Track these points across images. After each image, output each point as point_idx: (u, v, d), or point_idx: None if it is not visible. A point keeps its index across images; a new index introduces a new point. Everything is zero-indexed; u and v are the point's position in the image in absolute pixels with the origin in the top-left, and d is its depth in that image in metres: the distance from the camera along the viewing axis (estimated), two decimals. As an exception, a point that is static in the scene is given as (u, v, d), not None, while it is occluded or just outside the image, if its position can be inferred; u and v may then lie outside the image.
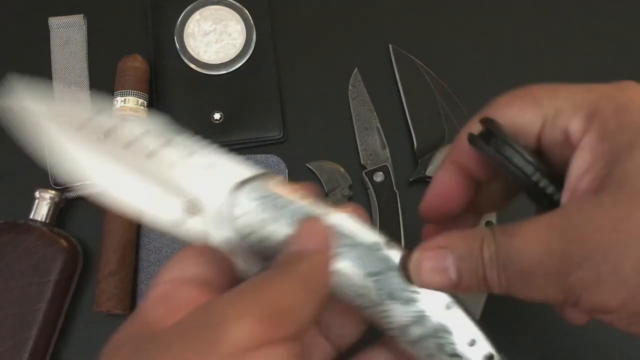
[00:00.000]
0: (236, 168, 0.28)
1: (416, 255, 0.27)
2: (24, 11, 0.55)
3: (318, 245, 0.26)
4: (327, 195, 0.50)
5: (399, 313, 0.27)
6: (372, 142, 0.51)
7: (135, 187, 0.28)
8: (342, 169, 0.51)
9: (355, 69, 0.53)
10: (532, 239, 0.25)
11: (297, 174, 0.51)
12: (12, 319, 0.45)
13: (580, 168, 0.26)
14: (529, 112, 0.28)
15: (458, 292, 0.28)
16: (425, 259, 0.27)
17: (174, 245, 0.49)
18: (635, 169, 0.24)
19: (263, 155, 0.51)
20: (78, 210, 0.51)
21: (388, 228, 0.48)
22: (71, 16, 0.54)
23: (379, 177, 0.49)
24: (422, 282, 0.27)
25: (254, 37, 0.53)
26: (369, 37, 0.54)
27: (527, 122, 0.28)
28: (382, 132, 0.52)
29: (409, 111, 0.51)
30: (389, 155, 0.51)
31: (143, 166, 0.28)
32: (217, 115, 0.52)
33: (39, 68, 0.53)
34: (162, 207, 0.28)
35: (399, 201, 0.49)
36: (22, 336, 0.45)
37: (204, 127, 0.52)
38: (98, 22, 0.55)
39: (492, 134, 0.28)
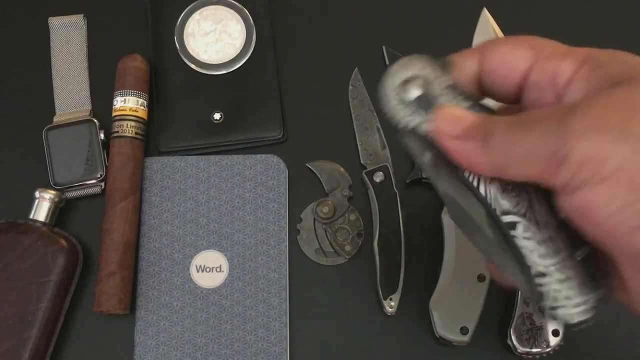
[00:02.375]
0: None
1: (446, 108, 0.29)
2: (24, 11, 0.55)
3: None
4: (327, 195, 0.50)
5: None
6: (372, 142, 0.51)
7: None
8: (342, 169, 0.51)
9: (355, 69, 0.53)
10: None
11: (297, 174, 0.51)
12: (12, 319, 0.45)
13: (576, 95, 0.27)
14: (521, 51, 0.29)
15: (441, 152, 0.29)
16: (453, 108, 0.29)
17: (174, 245, 0.49)
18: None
19: (263, 155, 0.51)
20: (78, 210, 0.51)
21: (388, 228, 0.48)
22: (71, 16, 0.54)
23: (379, 177, 0.50)
24: (440, 117, 0.29)
25: (254, 37, 0.53)
26: (368, 37, 0.54)
27: (518, 59, 0.29)
28: (382, 132, 0.52)
29: None
30: (389, 155, 0.51)
31: None
32: (217, 115, 0.52)
33: (39, 68, 0.53)
34: None
35: (398, 201, 0.49)
36: (22, 336, 0.45)
37: (204, 127, 0.52)
38: (98, 22, 0.55)
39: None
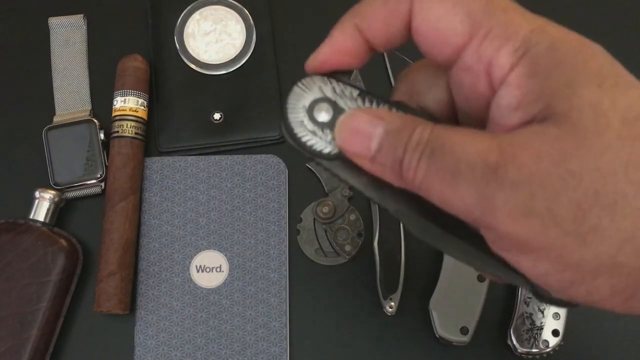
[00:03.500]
0: None
1: (352, 111, 0.27)
2: (24, 11, 0.55)
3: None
4: (327, 195, 0.50)
5: None
6: (372, 142, 0.51)
7: None
8: (342, 169, 0.51)
9: (355, 69, 0.53)
10: (473, 141, 0.23)
11: (297, 174, 0.51)
12: (12, 319, 0.45)
13: (509, 105, 0.24)
14: (456, 21, 0.25)
15: (372, 174, 0.26)
16: (357, 117, 0.26)
17: (174, 245, 0.49)
18: (580, 104, 0.22)
19: (263, 155, 0.51)
20: (78, 210, 0.51)
21: (388, 228, 0.48)
22: (71, 16, 0.54)
23: (379, 177, 0.50)
24: (342, 139, 0.26)
25: (254, 37, 0.53)
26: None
27: (452, 31, 0.25)
28: (382, 132, 0.52)
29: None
30: (389, 155, 0.51)
31: None
32: (217, 115, 0.52)
33: (39, 68, 0.53)
34: None
35: (399, 201, 0.49)
36: (22, 336, 0.45)
37: (204, 127, 0.52)
38: (98, 22, 0.55)
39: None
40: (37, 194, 0.48)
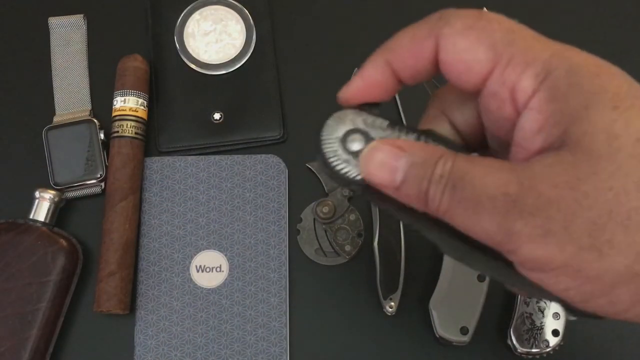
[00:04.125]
0: None
1: (374, 143, 0.28)
2: (24, 11, 0.55)
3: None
4: (327, 195, 0.50)
5: None
6: (372, 142, 0.51)
7: None
8: (342, 169, 0.51)
9: (355, 69, 0.53)
10: (492, 174, 0.25)
11: (297, 174, 0.51)
12: (12, 319, 0.45)
13: (531, 129, 0.26)
14: (480, 52, 0.27)
15: (398, 200, 0.28)
16: (381, 150, 0.28)
17: (174, 245, 0.49)
18: (593, 130, 0.24)
19: (263, 155, 0.51)
20: (78, 210, 0.51)
21: (388, 228, 0.48)
22: (71, 16, 0.54)
23: (379, 177, 0.49)
24: (367, 170, 0.28)
25: (254, 37, 0.53)
26: (368, 37, 0.54)
27: (476, 62, 0.27)
28: (382, 132, 0.52)
29: (404, 112, 0.51)
30: (389, 155, 0.51)
31: None
32: (217, 115, 0.52)
33: (39, 68, 0.53)
34: None
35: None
36: (22, 336, 0.45)
37: (204, 127, 0.52)
38: (98, 22, 0.55)
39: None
40: (37, 194, 0.48)
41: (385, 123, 0.29)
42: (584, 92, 0.24)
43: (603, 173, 0.23)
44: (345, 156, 0.29)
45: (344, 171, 0.29)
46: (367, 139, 0.29)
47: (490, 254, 0.28)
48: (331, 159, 0.29)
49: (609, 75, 0.25)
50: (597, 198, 0.23)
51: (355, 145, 0.29)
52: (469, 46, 0.27)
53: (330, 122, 0.30)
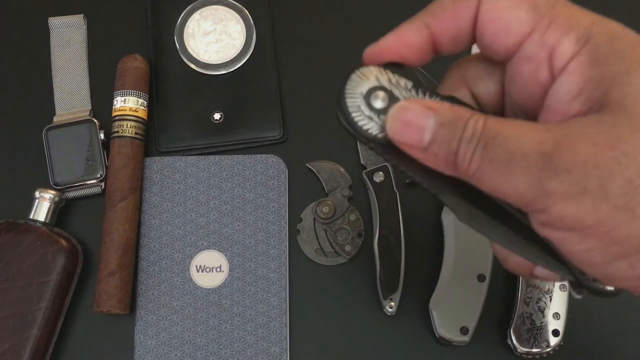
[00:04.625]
0: None
1: (402, 102, 0.28)
2: (24, 11, 0.55)
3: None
4: (327, 195, 0.50)
5: None
6: (372, 142, 0.51)
7: None
8: (342, 169, 0.51)
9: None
10: (526, 132, 0.25)
11: (297, 174, 0.51)
12: (12, 319, 0.45)
13: (569, 92, 0.26)
14: (522, 11, 0.27)
15: (422, 162, 0.27)
16: (409, 110, 0.27)
17: (174, 245, 0.49)
18: (634, 92, 0.24)
19: (263, 155, 0.51)
20: (78, 210, 0.51)
21: (388, 228, 0.48)
22: (71, 16, 0.54)
23: (379, 177, 0.50)
24: (394, 129, 0.27)
25: (254, 37, 0.53)
26: (368, 37, 0.54)
27: (516, 22, 0.27)
28: (382, 132, 0.51)
29: None
30: (389, 155, 0.51)
31: None
32: (217, 115, 0.52)
33: (39, 68, 0.53)
34: None
35: (399, 201, 0.49)
36: (22, 336, 0.45)
37: (204, 127, 0.52)
38: (98, 22, 0.55)
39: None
40: (37, 194, 0.48)
41: (410, 84, 0.29)
42: (626, 59, 0.25)
43: None
44: (368, 112, 0.29)
45: (365, 127, 0.28)
46: (392, 97, 0.28)
47: (510, 222, 0.28)
48: (354, 115, 0.29)
49: None
50: (636, 157, 0.23)
51: (379, 103, 0.28)
52: (510, 4, 0.27)
53: (354, 76, 0.29)
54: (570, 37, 0.26)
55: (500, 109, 0.31)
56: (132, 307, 0.48)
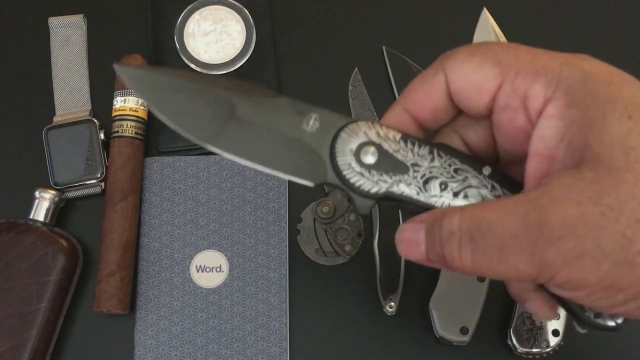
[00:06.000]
0: None
1: (401, 225, 0.29)
2: (24, 11, 0.55)
3: None
4: (327, 195, 0.50)
5: None
6: (372, 142, 0.51)
7: None
8: (342, 169, 0.51)
9: (355, 69, 0.53)
10: (507, 212, 0.25)
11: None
12: (12, 319, 0.45)
13: (554, 136, 0.26)
14: (487, 70, 0.27)
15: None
16: (405, 229, 0.29)
17: (174, 245, 0.49)
18: (611, 142, 0.24)
19: (263, 155, 0.51)
20: (78, 210, 0.51)
21: (388, 228, 0.48)
22: (71, 16, 0.54)
23: (379, 177, 0.49)
24: (401, 251, 0.29)
25: (254, 37, 0.53)
26: (368, 37, 0.54)
27: (484, 80, 0.28)
28: (382, 132, 0.51)
29: None
30: (389, 155, 0.51)
31: None
32: (217, 115, 0.52)
33: (39, 68, 0.53)
34: None
35: (399, 201, 0.49)
36: (22, 336, 0.45)
37: (204, 127, 0.52)
38: (98, 22, 0.55)
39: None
40: (37, 194, 0.48)
41: (399, 135, 0.29)
42: (601, 100, 0.25)
43: (625, 184, 0.23)
44: (358, 168, 0.29)
45: (357, 184, 0.29)
46: (381, 151, 0.29)
47: None
48: (345, 172, 0.29)
49: (621, 83, 0.25)
50: (622, 209, 0.23)
51: (369, 158, 0.29)
52: (475, 68, 0.28)
53: (343, 135, 0.30)
54: (540, 81, 0.26)
55: (492, 152, 0.31)
56: (132, 307, 0.48)
